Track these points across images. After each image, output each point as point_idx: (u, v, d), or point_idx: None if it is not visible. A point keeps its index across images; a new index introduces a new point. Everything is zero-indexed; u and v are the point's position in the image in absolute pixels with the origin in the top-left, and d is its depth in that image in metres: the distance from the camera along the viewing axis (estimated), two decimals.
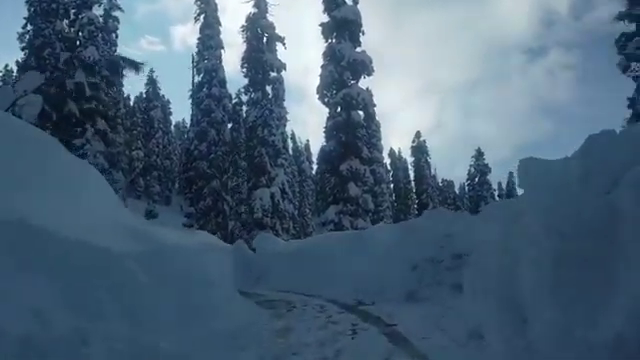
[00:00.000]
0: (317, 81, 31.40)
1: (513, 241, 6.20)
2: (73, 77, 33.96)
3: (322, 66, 31.32)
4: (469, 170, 50.86)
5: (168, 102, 51.65)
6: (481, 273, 7.43)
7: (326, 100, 31.32)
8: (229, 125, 39.57)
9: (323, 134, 32.42)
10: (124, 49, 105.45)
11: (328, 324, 8.75)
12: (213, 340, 6.34)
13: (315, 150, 61.28)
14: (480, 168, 50.04)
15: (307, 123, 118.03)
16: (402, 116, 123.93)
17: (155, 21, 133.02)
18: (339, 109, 30.91)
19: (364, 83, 31.43)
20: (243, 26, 35.42)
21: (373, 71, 31.10)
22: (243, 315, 8.90)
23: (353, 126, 30.35)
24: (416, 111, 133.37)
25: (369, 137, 33.25)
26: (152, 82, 48.47)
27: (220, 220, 34.19)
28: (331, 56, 30.95)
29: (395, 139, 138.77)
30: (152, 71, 50.18)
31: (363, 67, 30.72)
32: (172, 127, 55.35)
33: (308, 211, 50.29)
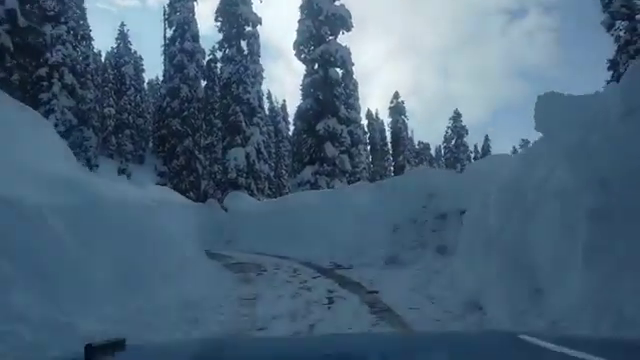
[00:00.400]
0: (294, 37, 29.64)
1: (526, 195, 5.01)
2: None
3: (299, 20, 29.51)
4: (446, 132, 49.94)
5: (140, 59, 49.08)
6: (479, 234, 6.27)
7: (303, 57, 29.63)
8: (203, 82, 37.65)
9: (300, 92, 30.82)
10: (94, 4, 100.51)
11: (301, 291, 7.55)
12: (157, 315, 5.04)
13: (292, 111, 59.59)
14: (457, 130, 48.89)
15: (284, 82, 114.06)
16: (379, 77, 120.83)
17: None
18: (316, 66, 29.28)
19: (343, 39, 29.77)
20: None
21: (352, 27, 29.42)
22: (204, 281, 7.64)
23: (331, 84, 28.80)
24: (393, 72, 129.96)
25: (347, 96, 31.70)
26: (123, 37, 45.79)
27: (193, 179, 32.65)
28: (309, 10, 29.13)
29: (372, 100, 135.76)
30: (123, 25, 47.50)
31: (342, 22, 29.00)
32: (145, 85, 52.80)
33: (284, 172, 48.85)
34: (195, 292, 6.52)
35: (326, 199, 12.72)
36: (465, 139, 48.04)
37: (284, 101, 57.06)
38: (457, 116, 48.33)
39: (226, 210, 16.91)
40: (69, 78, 32.07)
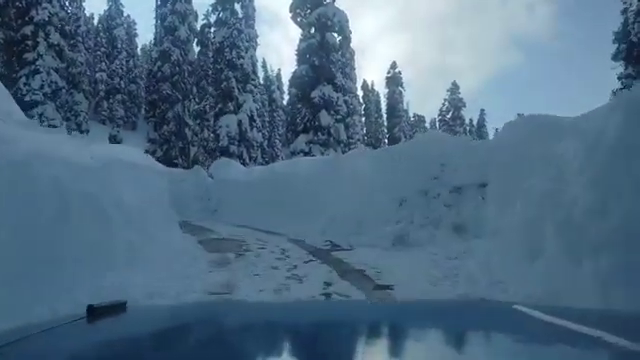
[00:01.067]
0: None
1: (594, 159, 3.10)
2: None
3: None
4: (443, 104, 47.37)
5: (134, 22, 46.32)
6: (546, 213, 4.35)
7: (299, 20, 27.31)
8: (196, 48, 35.26)
9: (295, 58, 28.51)
10: None
11: (290, 282, 5.60)
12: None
13: (287, 80, 57.23)
14: (455, 102, 46.43)
15: (280, 51, 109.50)
16: (376, 49, 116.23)
17: None
18: (313, 30, 26.97)
19: (341, 3, 27.37)
20: None
21: None
22: (164, 265, 5.71)
23: (327, 49, 26.55)
24: (389, 44, 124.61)
25: (343, 64, 29.46)
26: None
27: (182, 146, 30.53)
28: None
29: (368, 72, 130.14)
30: None
31: None
32: (139, 50, 50.13)
33: (278, 142, 46.69)
34: (142, 282, 4.57)
35: (322, 167, 10.68)
36: (462, 112, 45.79)
37: (279, 70, 54.68)
38: (455, 88, 46.00)
39: (212, 178, 14.89)
40: (55, 38, 29.50)
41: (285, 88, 54.27)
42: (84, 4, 38.99)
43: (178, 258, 6.40)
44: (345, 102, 27.85)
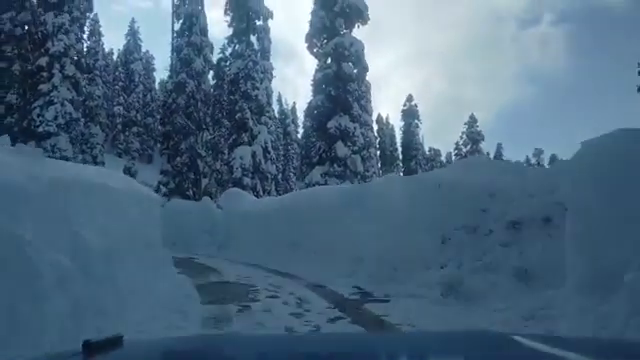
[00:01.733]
0: (307, 29, 25.88)
1: None
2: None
3: (312, 12, 25.76)
4: (460, 137, 45.08)
5: (152, 57, 45.47)
6: None
7: (315, 50, 25.89)
8: (212, 81, 34.06)
9: (311, 89, 26.94)
10: (107, 5, 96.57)
11: None
12: None
13: (303, 114, 55.94)
14: (473, 136, 44.17)
15: (295, 84, 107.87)
16: (389, 82, 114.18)
17: None
18: (329, 60, 25.48)
19: (357, 33, 25.94)
20: None
21: (369, 19, 25.66)
22: (135, 328, 3.83)
23: (344, 79, 25.00)
24: (401, 77, 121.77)
25: (360, 95, 27.85)
26: (133, 33, 42.20)
27: (195, 177, 28.84)
28: (322, 1, 25.40)
29: (382, 106, 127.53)
30: (133, 21, 44.03)
31: (357, 14, 25.23)
32: (156, 85, 49.21)
33: (292, 175, 45.00)
34: None
35: (345, 197, 8.70)
36: (481, 145, 43.36)
37: (294, 103, 53.43)
38: (472, 121, 43.85)
39: (222, 209, 13.06)
40: (71, 69, 28.28)
41: (300, 122, 53.06)
42: (104, 39, 38.23)
43: (158, 317, 4.48)
44: (362, 133, 26.12)
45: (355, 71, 25.67)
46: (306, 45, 25.82)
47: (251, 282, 7.37)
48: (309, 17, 25.95)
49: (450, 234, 7.25)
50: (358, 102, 26.00)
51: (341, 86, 24.95)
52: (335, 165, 24.80)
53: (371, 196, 8.21)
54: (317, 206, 9.03)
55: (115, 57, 46.65)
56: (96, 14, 38.64)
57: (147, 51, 45.42)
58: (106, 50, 44.08)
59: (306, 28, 26.25)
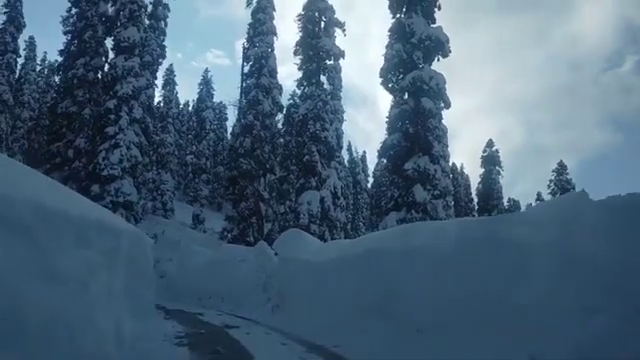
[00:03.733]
0: (381, 63, 22.92)
1: None
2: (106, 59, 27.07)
3: (387, 45, 22.88)
4: (548, 185, 39.53)
5: (224, 107, 44.29)
6: None
7: (391, 85, 22.80)
8: (281, 126, 31.69)
9: (385, 128, 23.59)
10: (188, 61, 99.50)
11: None
12: None
13: (372, 162, 52.50)
14: (562, 184, 38.63)
15: (365, 132, 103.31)
16: (460, 130, 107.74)
17: (223, 35, 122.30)
18: (406, 95, 22.27)
19: (436, 68, 22.64)
20: (299, 14, 27.70)
21: (450, 52, 22.39)
22: None
23: (423, 115, 21.60)
24: (474, 126, 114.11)
25: (440, 135, 24.22)
26: (206, 82, 41.36)
27: (258, 222, 25.93)
28: (399, 33, 22.50)
29: (453, 154, 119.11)
30: (207, 71, 43.30)
31: (438, 45, 22.05)
32: (228, 135, 48.02)
33: (362, 225, 41.37)
34: None
35: (467, 237, 5.02)
36: None
37: (364, 152, 50.39)
38: (561, 168, 38.63)
39: (277, 254, 9.69)
40: (139, 112, 26.76)
41: (370, 171, 49.87)
42: (179, 91, 37.21)
43: None
44: (443, 176, 22.34)
45: (435, 107, 22.21)
46: (380, 81, 22.79)
47: None
48: (383, 51, 23.04)
49: None
50: (439, 141, 22.38)
51: (420, 123, 21.55)
52: (413, 211, 21.05)
53: (517, 238, 4.53)
54: (416, 253, 5.43)
55: (190, 108, 45.96)
56: (171, 64, 38.15)
57: (220, 102, 44.39)
58: (181, 102, 43.36)
59: (376, 72, 23.36)
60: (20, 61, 37.15)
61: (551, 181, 39.12)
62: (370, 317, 5.54)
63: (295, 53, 27.23)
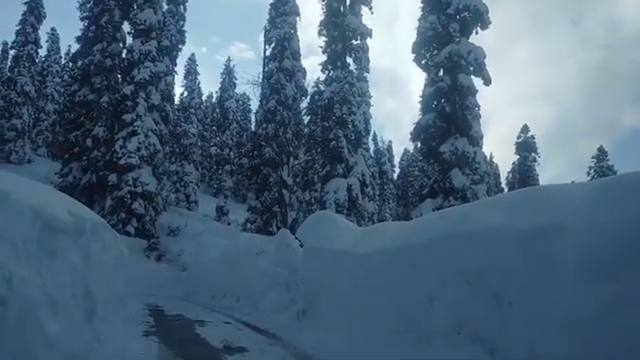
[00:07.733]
0: (414, 37, 20.22)
1: None
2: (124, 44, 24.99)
3: (420, 17, 20.18)
4: (588, 173, 36.16)
5: (248, 99, 42.03)
6: None
7: (424, 62, 20.10)
8: (305, 115, 29.10)
9: (419, 107, 20.88)
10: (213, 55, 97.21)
11: None
12: None
13: (398, 152, 49.40)
14: (603, 171, 35.22)
15: (392, 119, 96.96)
16: (490, 115, 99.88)
17: (246, 24, 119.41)
18: (442, 72, 19.55)
19: (475, 41, 19.81)
20: None
21: (490, 23, 19.54)
22: None
23: (461, 93, 18.86)
24: (509, 113, 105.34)
25: (478, 113, 21.37)
26: (228, 72, 39.09)
27: (281, 211, 23.53)
28: (433, 3, 19.76)
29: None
30: (229, 60, 41.00)
31: (476, 16, 19.24)
32: (252, 126, 45.83)
33: (388, 216, 38.67)
34: None
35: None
36: None
37: (390, 142, 47.56)
38: (601, 154, 35.17)
39: (302, 246, 7.15)
40: (157, 98, 24.60)
41: (396, 161, 47.05)
42: (203, 82, 35.05)
43: None
44: (484, 159, 19.59)
45: (474, 84, 19.43)
46: (413, 57, 20.10)
47: None
48: (415, 27, 20.33)
49: None
50: (478, 121, 19.61)
51: (458, 101, 18.80)
52: (451, 198, 18.36)
53: None
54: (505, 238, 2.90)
55: (214, 100, 43.82)
56: (193, 54, 35.99)
57: (244, 93, 42.03)
58: (205, 93, 41.18)
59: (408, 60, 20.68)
60: (42, 53, 35.50)
61: (591, 167, 35.67)
62: (463, 343, 3.06)
63: (319, 33, 24.63)
